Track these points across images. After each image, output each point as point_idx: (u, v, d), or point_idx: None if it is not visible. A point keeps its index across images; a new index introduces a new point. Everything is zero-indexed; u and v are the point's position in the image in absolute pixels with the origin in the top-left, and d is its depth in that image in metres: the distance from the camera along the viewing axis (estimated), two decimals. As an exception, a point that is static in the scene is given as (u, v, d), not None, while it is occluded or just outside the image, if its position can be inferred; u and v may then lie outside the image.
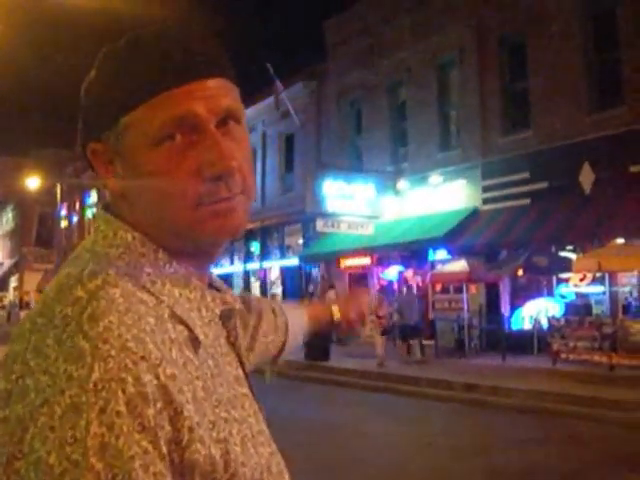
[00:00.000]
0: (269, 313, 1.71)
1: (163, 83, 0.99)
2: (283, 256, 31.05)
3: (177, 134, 1.00)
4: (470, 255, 19.65)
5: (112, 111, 1.01)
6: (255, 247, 32.19)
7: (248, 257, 32.86)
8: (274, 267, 31.96)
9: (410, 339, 18.98)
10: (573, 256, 18.07)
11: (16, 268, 61.40)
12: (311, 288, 28.91)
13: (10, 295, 60.87)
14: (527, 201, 19.80)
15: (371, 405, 14.51)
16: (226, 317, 1.10)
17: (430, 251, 22.65)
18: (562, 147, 18.74)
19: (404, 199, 24.15)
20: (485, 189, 21.35)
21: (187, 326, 0.98)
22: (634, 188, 16.66)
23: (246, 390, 1.07)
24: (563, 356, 15.96)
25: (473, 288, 20.65)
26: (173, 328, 0.96)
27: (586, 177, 18.28)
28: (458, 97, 23.14)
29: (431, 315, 21.57)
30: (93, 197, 50.65)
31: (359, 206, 24.14)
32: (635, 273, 17.78)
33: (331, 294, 25.67)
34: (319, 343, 20.03)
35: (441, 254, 22.08)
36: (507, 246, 19.74)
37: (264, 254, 31.91)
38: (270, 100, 28.47)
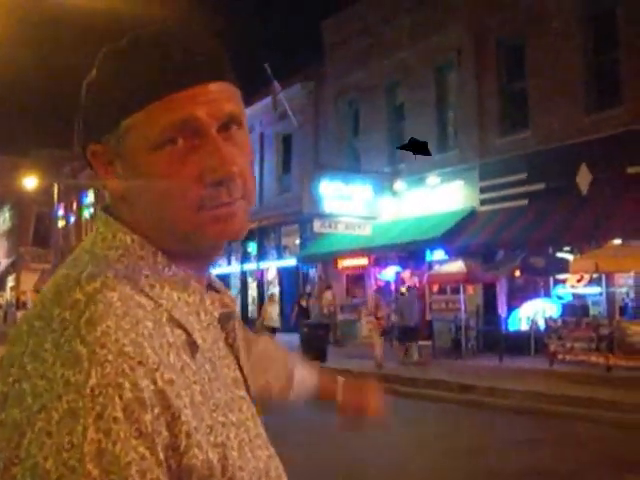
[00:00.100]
0: (278, 359, 1.69)
1: (165, 87, 0.98)
2: (280, 257, 31.05)
3: (178, 138, 0.99)
4: (467, 256, 19.66)
5: (113, 113, 1.01)
6: (252, 247, 32.18)
7: (245, 257, 32.85)
8: (271, 268, 31.96)
9: (409, 341, 18.94)
10: (570, 257, 18.08)
11: (13, 268, 61.30)
12: (308, 289, 28.89)
13: (7, 295, 60.80)
14: (524, 202, 19.81)
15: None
16: (225, 319, 1.09)
17: (427, 252, 22.65)
18: (559, 148, 18.75)
19: (401, 200, 24.15)
20: (482, 190, 21.36)
21: (185, 330, 0.98)
22: (631, 189, 16.68)
23: (244, 393, 1.06)
24: (560, 357, 15.98)
25: (470, 289, 20.65)
26: (171, 332, 0.95)
27: (583, 178, 18.29)
28: (456, 98, 23.15)
29: (428, 316, 21.58)
30: (90, 197, 50.59)
31: (356, 207, 24.14)
32: (632, 274, 17.80)
33: (328, 294, 25.71)
34: (316, 344, 20.05)
35: (438, 255, 22.08)
36: (504, 247, 19.75)
37: (261, 254, 31.91)
38: (268, 100, 28.48)
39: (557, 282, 19.50)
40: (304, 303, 25.53)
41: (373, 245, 23.68)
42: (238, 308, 1.15)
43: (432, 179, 22.72)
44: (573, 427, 11.37)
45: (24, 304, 45.90)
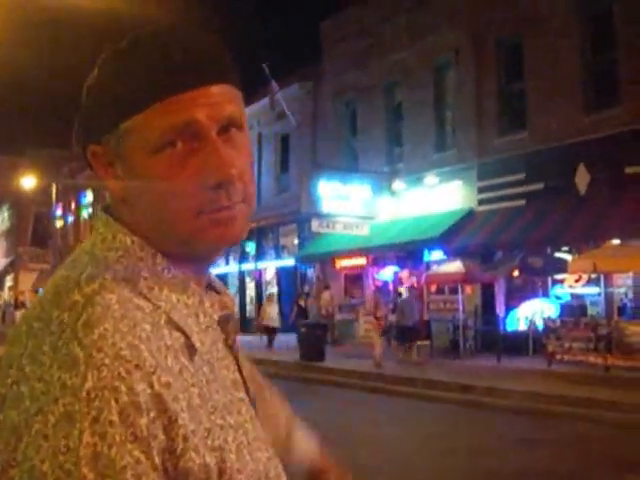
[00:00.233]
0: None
1: (164, 89, 0.98)
2: (278, 256, 31.05)
3: (178, 141, 0.98)
4: (465, 256, 19.66)
5: (112, 115, 1.00)
6: (250, 247, 32.15)
7: (243, 257, 32.82)
8: (269, 267, 31.95)
9: (408, 340, 18.91)
10: (568, 257, 18.10)
11: (11, 268, 61.24)
12: (306, 288, 28.88)
13: (5, 295, 60.76)
14: (522, 202, 19.81)
15: (367, 406, 14.50)
16: (225, 320, 1.09)
17: (425, 252, 22.66)
18: (558, 148, 18.75)
19: (400, 200, 24.15)
20: (481, 190, 21.37)
21: (184, 333, 0.97)
22: (630, 189, 16.69)
23: (243, 395, 1.05)
24: (558, 357, 15.98)
25: (468, 289, 20.66)
26: (169, 335, 0.95)
27: (582, 178, 18.30)
28: (454, 98, 23.16)
29: (426, 316, 21.58)
30: (88, 197, 50.55)
31: (354, 206, 24.14)
32: (630, 274, 17.80)
33: (326, 295, 25.70)
34: (314, 344, 20.06)
35: (436, 255, 22.09)
36: (502, 247, 19.76)
37: (259, 254, 31.89)
38: (266, 100, 28.47)
39: (555, 282, 19.50)
40: (303, 303, 25.53)
41: (371, 245, 23.69)
42: (236, 308, 1.15)
43: (430, 179, 22.72)
44: (572, 427, 11.38)
45: (22, 304, 45.86)
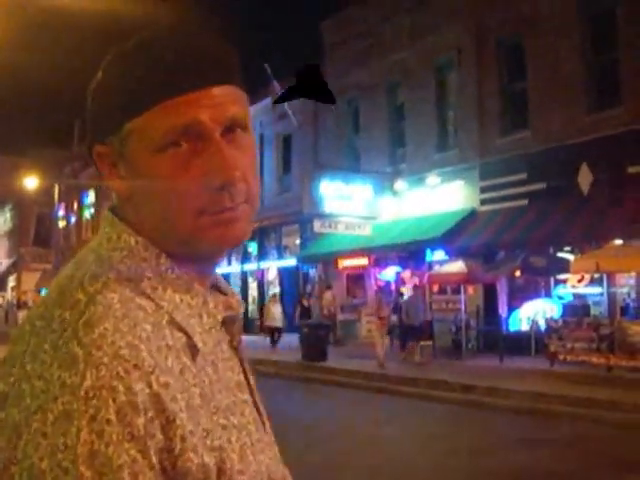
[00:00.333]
0: None
1: (168, 90, 0.98)
2: (281, 256, 31.05)
3: (182, 142, 0.99)
4: (468, 256, 19.65)
5: (117, 115, 1.00)
6: (253, 247, 32.16)
7: (245, 257, 32.84)
8: (272, 267, 31.96)
9: (413, 340, 18.83)
10: (571, 257, 18.07)
11: (14, 268, 61.31)
12: (308, 288, 28.90)
13: (8, 295, 60.84)
14: (525, 202, 19.80)
15: (369, 406, 14.50)
16: (230, 322, 1.08)
17: (428, 252, 22.65)
18: (560, 148, 18.74)
19: (402, 200, 24.15)
20: (483, 190, 21.36)
21: (186, 333, 0.98)
22: (632, 189, 16.67)
23: (247, 396, 1.06)
24: (561, 357, 15.96)
25: (471, 289, 20.65)
26: (171, 335, 0.95)
27: (584, 178, 18.28)
28: (456, 98, 23.15)
29: (429, 316, 21.57)
30: (91, 197, 50.58)
31: (357, 207, 24.14)
32: (633, 274, 17.79)
33: (328, 295, 25.71)
34: (316, 344, 20.06)
35: (439, 255, 22.07)
36: (505, 247, 19.75)
37: (261, 254, 31.91)
38: (268, 101, 28.41)
39: (558, 282, 19.49)
40: (306, 303, 25.56)
41: (373, 245, 23.69)
42: (242, 310, 1.14)
43: (432, 179, 22.71)
44: (573, 427, 11.37)
45: (25, 304, 45.94)
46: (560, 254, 18.79)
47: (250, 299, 32.84)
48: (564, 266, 17.66)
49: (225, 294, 1.13)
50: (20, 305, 47.12)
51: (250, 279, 33.40)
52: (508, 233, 19.21)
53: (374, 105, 25.79)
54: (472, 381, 15.05)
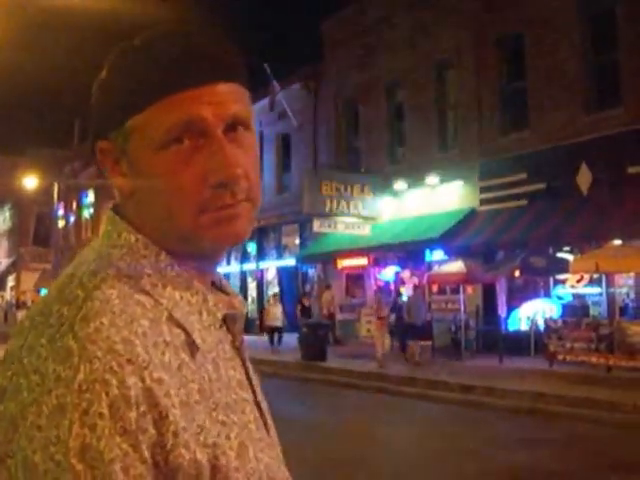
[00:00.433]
0: None
1: (171, 86, 0.98)
2: (280, 256, 31.04)
3: (184, 138, 0.99)
4: (467, 256, 19.64)
5: (120, 111, 1.01)
6: (252, 247, 32.15)
7: (245, 257, 32.83)
8: (271, 267, 31.95)
9: (414, 340, 18.75)
10: (570, 257, 18.07)
11: (13, 268, 61.31)
12: (308, 288, 28.90)
13: (7, 295, 60.83)
14: (524, 202, 19.79)
15: (368, 406, 14.50)
16: (231, 321, 1.09)
17: (427, 252, 22.64)
18: (560, 148, 18.73)
19: (401, 199, 24.15)
20: (482, 190, 21.34)
21: (184, 330, 0.98)
22: (632, 189, 16.67)
23: (247, 395, 1.05)
24: (560, 357, 15.96)
25: (470, 289, 20.64)
26: (169, 331, 0.95)
27: (584, 178, 18.28)
28: (455, 97, 23.15)
29: (428, 316, 21.56)
30: (90, 197, 50.57)
31: (356, 206, 24.16)
32: (632, 274, 17.79)
33: (327, 294, 25.71)
34: (316, 344, 20.06)
35: (438, 255, 22.07)
36: (504, 247, 19.75)
37: (261, 254, 31.90)
38: (267, 100, 28.45)
39: (557, 282, 19.49)
40: (307, 303, 25.56)
41: (373, 245, 23.68)
42: (245, 309, 1.15)
43: (432, 179, 22.70)
44: (573, 427, 11.37)
45: (24, 304, 45.94)
46: (559, 254, 18.79)
47: (249, 299, 32.82)
48: (563, 266, 17.66)
49: (227, 294, 1.13)
50: (19, 305, 47.11)
51: (249, 279, 33.38)
52: (507, 233, 19.21)
53: (374, 104, 25.79)
54: (471, 381, 15.06)
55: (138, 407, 0.87)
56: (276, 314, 23.67)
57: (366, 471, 9.03)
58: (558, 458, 9.43)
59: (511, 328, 19.48)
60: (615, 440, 10.51)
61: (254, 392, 1.09)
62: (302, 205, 23.95)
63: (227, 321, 1.07)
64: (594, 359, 15.29)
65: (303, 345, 20.36)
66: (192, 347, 0.97)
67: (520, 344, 17.80)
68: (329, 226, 24.18)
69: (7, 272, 62.96)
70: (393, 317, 20.35)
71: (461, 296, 19.84)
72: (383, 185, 24.45)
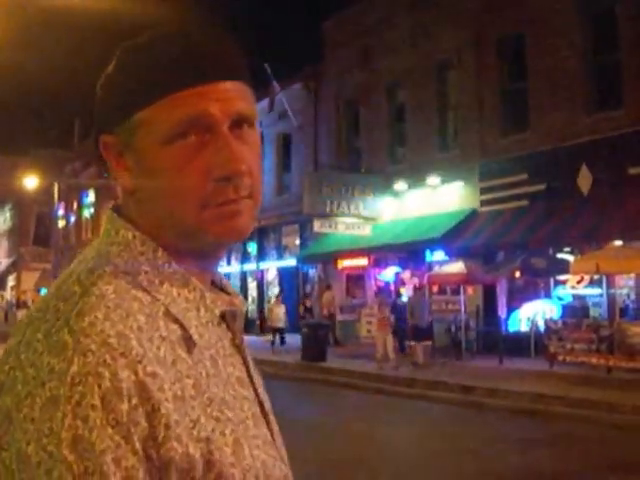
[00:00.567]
0: None
1: (180, 82, 1.00)
2: (280, 257, 31.03)
3: (190, 133, 1.00)
4: (468, 256, 19.65)
5: (126, 106, 1.02)
6: (252, 248, 32.15)
7: (245, 258, 32.83)
8: (271, 268, 31.94)
9: (418, 341, 18.66)
10: (571, 258, 18.07)
11: (14, 267, 61.34)
12: (308, 289, 28.89)
13: (7, 295, 60.86)
14: (525, 203, 19.78)
15: (368, 406, 14.50)
16: (231, 319, 1.09)
17: (428, 252, 22.64)
18: (560, 148, 18.73)
19: (402, 200, 24.14)
20: (483, 190, 21.33)
21: (181, 325, 0.99)
22: (632, 190, 16.66)
23: (247, 393, 1.06)
24: (560, 358, 15.96)
25: (470, 290, 20.64)
26: (165, 327, 0.96)
27: (584, 179, 18.27)
28: (456, 98, 23.15)
29: (430, 317, 21.55)
30: (90, 197, 50.58)
31: (356, 207, 24.14)
32: (633, 275, 17.79)
33: (328, 295, 25.70)
34: (316, 344, 20.06)
35: (439, 255, 22.06)
36: (505, 248, 19.74)
37: (261, 255, 31.90)
38: (268, 101, 28.44)
39: (557, 283, 19.48)
40: (309, 303, 25.56)
41: (373, 245, 23.68)
42: (245, 308, 1.15)
43: (432, 179, 22.69)
44: (573, 428, 11.37)
45: (24, 303, 45.98)
46: (560, 255, 18.78)
47: (250, 299, 32.84)
48: (564, 267, 17.66)
49: (228, 294, 1.14)
50: (19, 305, 47.16)
51: (249, 279, 33.38)
52: (508, 234, 19.20)
53: (374, 105, 25.78)
54: (471, 382, 15.06)
55: (130, 400, 0.88)
56: (279, 314, 23.66)
57: (366, 471, 9.03)
58: (558, 459, 9.43)
59: (511, 329, 19.47)
60: (615, 441, 10.50)
61: (255, 390, 1.09)
62: (302, 205, 23.94)
63: (226, 318, 1.08)
64: (594, 360, 15.29)
65: (303, 345, 20.36)
66: (189, 343, 0.98)
67: (520, 345, 17.79)
68: (329, 226, 24.18)
69: (7, 272, 63.00)
70: (393, 318, 20.30)
71: (461, 297, 19.84)
72: (384, 185, 24.44)
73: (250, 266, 32.73)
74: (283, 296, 26.75)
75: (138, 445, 0.87)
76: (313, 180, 23.88)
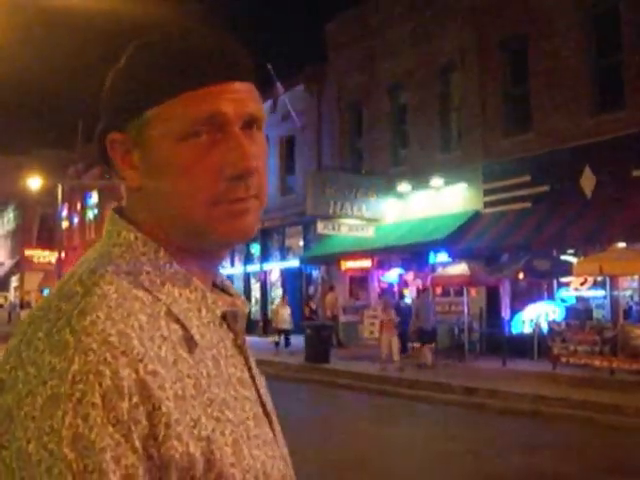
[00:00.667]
0: None
1: (196, 80, 1.01)
2: (283, 258, 31.04)
3: (203, 132, 1.01)
4: (471, 258, 19.63)
5: (139, 102, 1.03)
6: (255, 249, 32.17)
7: (248, 259, 32.84)
8: (274, 269, 31.95)
9: (423, 343, 18.59)
10: (574, 260, 18.04)
11: (17, 268, 61.43)
12: (311, 290, 28.89)
13: (11, 295, 60.96)
14: (528, 204, 19.77)
15: (371, 408, 14.50)
16: (232, 319, 1.09)
17: (431, 254, 22.63)
18: (563, 150, 18.72)
19: (405, 201, 24.13)
20: (486, 192, 21.33)
21: (183, 325, 0.99)
22: (636, 192, 16.64)
23: (249, 393, 1.06)
24: (563, 360, 15.95)
25: (473, 291, 20.62)
26: (167, 326, 0.97)
27: (587, 180, 18.26)
28: (459, 99, 23.14)
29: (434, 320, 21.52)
30: (94, 198, 50.63)
31: (360, 208, 24.14)
32: (636, 277, 17.76)
33: (331, 296, 25.68)
34: (319, 346, 20.05)
35: (442, 257, 22.05)
36: (508, 249, 19.71)
37: (264, 256, 31.90)
38: (271, 102, 28.47)
39: (561, 285, 19.46)
40: (314, 305, 25.56)
41: (376, 247, 23.68)
42: (247, 309, 1.15)
43: (435, 181, 22.68)
44: (575, 430, 11.36)
45: (28, 304, 46.04)
46: (563, 257, 18.76)
47: (253, 301, 32.86)
48: (567, 269, 17.63)
49: (230, 295, 1.15)
50: (23, 305, 47.25)
51: (253, 280, 33.39)
52: (511, 235, 19.19)
53: (377, 106, 25.79)
54: (474, 383, 15.04)
55: (131, 398, 0.88)
56: (284, 316, 23.63)
57: (368, 472, 9.03)
58: (560, 460, 9.41)
59: (514, 331, 19.45)
60: (618, 443, 10.49)
61: (257, 390, 1.09)
62: (306, 207, 23.94)
63: (228, 319, 1.09)
64: (597, 362, 15.27)
65: (306, 347, 20.35)
66: (190, 343, 0.99)
67: (523, 347, 17.77)
68: (333, 228, 24.18)
69: (11, 273, 63.09)
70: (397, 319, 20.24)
71: (465, 298, 19.83)
72: (387, 187, 24.44)
73: (253, 267, 32.75)
74: (287, 297, 26.75)
75: (138, 443, 0.88)
76: (316, 181, 23.87)
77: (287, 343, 23.38)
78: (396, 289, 24.75)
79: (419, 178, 23.28)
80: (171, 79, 1.01)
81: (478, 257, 19.98)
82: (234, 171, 1.02)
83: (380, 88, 25.64)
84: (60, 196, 39.70)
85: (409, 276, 24.26)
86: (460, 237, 20.75)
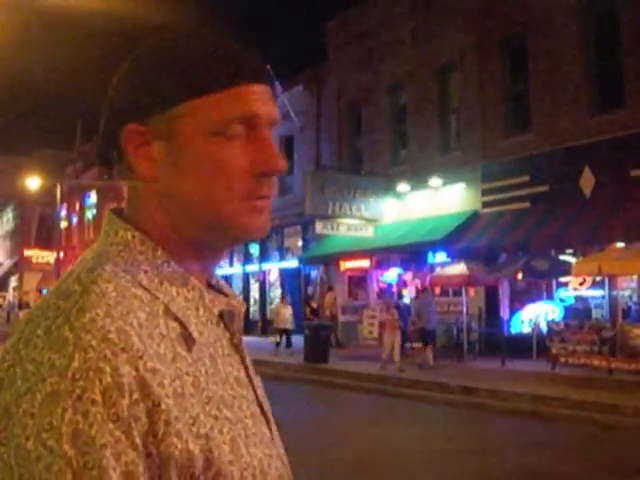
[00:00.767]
0: None
1: (230, 79, 1.03)
2: (282, 258, 31.04)
3: (235, 129, 1.04)
4: (469, 258, 19.63)
5: (169, 96, 1.03)
6: (254, 249, 32.17)
7: (247, 259, 32.84)
8: (273, 269, 31.95)
9: (425, 343, 18.56)
10: (573, 260, 18.06)
11: (16, 268, 61.37)
12: (310, 290, 28.88)
13: (10, 295, 60.89)
14: (527, 204, 19.78)
15: (370, 408, 14.49)
16: (229, 318, 1.10)
17: (430, 254, 22.63)
18: (562, 150, 18.73)
19: (404, 201, 24.14)
20: (485, 192, 21.34)
21: (181, 323, 1.00)
22: (635, 192, 16.66)
23: (246, 392, 1.07)
24: (562, 360, 15.95)
25: (472, 291, 20.63)
26: (165, 324, 0.98)
27: (586, 181, 18.27)
28: (458, 99, 23.14)
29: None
30: (93, 198, 50.62)
31: (359, 208, 24.14)
32: (635, 277, 17.77)
33: (330, 296, 25.68)
34: (318, 346, 20.05)
35: (440, 257, 22.07)
36: (507, 249, 19.72)
37: (263, 256, 31.90)
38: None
39: (560, 285, 19.47)
40: (315, 305, 25.56)
41: (375, 247, 23.68)
42: (243, 308, 1.16)
43: (434, 181, 22.69)
44: (574, 430, 11.36)
45: (27, 304, 45.99)
46: (562, 257, 18.77)
47: (252, 301, 32.86)
48: (566, 269, 17.64)
49: (226, 295, 1.15)
50: (22, 305, 47.19)
51: (252, 280, 33.39)
52: (510, 235, 19.20)
53: (376, 107, 25.80)
54: (473, 383, 15.04)
55: (131, 395, 0.88)
56: (285, 315, 23.60)
57: (367, 472, 9.03)
58: (559, 460, 9.42)
59: (513, 330, 19.46)
60: (616, 443, 10.49)
61: (254, 390, 1.10)
62: (305, 207, 23.94)
63: (224, 318, 1.09)
64: (596, 362, 15.28)
65: (305, 347, 20.35)
66: (188, 341, 0.99)
67: (522, 346, 17.77)
68: (332, 228, 24.18)
69: (10, 273, 63.03)
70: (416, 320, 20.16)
71: (463, 298, 19.84)
72: (386, 187, 24.45)
73: (252, 267, 32.74)
74: (287, 297, 26.74)
75: (138, 440, 0.88)
76: (315, 181, 23.87)
77: (288, 343, 23.36)
78: (395, 289, 24.75)
79: (418, 178, 23.29)
80: (211, 74, 1.03)
81: (477, 257, 19.99)
82: (264, 169, 1.05)
83: (380, 88, 25.65)
84: (59, 196, 39.70)
85: (408, 276, 24.27)
86: (459, 237, 20.76)
